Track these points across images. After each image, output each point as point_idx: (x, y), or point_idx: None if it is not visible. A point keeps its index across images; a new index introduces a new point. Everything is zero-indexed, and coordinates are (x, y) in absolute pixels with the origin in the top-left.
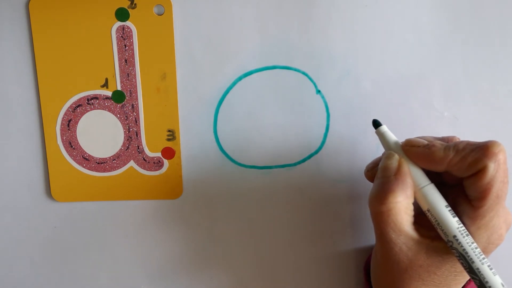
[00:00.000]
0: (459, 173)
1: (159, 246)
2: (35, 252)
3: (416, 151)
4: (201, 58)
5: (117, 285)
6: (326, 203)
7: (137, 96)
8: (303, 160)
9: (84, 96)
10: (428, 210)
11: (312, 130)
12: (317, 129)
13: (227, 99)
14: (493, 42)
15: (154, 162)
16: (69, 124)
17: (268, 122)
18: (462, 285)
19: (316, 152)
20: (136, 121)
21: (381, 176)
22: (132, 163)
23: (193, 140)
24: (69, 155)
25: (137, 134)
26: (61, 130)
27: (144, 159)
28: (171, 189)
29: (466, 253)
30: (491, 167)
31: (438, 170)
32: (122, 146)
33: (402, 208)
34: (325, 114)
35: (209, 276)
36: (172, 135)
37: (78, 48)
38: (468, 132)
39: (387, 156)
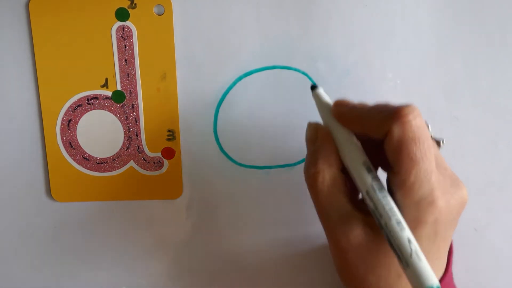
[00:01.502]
0: (373, 135)
1: (159, 246)
2: (35, 252)
3: (340, 111)
4: (201, 58)
5: (117, 285)
6: None
7: (137, 96)
8: (303, 160)
9: (84, 96)
10: (348, 168)
11: None
12: None
13: (227, 99)
14: (493, 42)
15: (154, 162)
16: (69, 124)
17: (268, 122)
18: None
19: None
20: (136, 121)
21: (307, 149)
22: (132, 163)
23: (193, 140)
24: (69, 155)
25: (137, 134)
26: (61, 130)
27: (144, 159)
28: (171, 189)
29: (376, 208)
30: (396, 129)
31: (357, 130)
32: (122, 146)
33: (326, 177)
34: None
35: (209, 276)
36: (172, 135)
37: (78, 48)
38: (468, 132)
39: (307, 127)
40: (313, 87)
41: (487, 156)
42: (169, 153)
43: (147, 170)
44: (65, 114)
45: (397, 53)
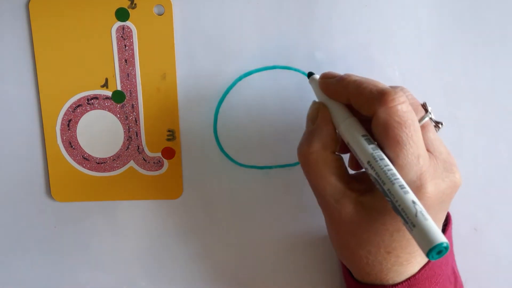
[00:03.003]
0: (360, 111)
1: (159, 246)
2: (35, 252)
3: (325, 83)
4: (201, 58)
5: (117, 285)
6: None
7: (137, 96)
8: None
9: (84, 96)
10: (348, 143)
11: None
12: None
13: (227, 99)
14: (493, 42)
15: (154, 162)
16: (69, 124)
17: (268, 122)
18: (407, 249)
19: None
20: (136, 121)
21: (306, 126)
22: (132, 163)
23: (193, 140)
24: (69, 155)
25: (137, 134)
26: (61, 130)
27: (144, 159)
28: (171, 189)
29: (378, 176)
30: (381, 113)
31: (344, 102)
32: (122, 146)
33: (319, 158)
34: None
35: (209, 276)
36: (172, 135)
37: (78, 48)
38: (468, 131)
39: (310, 105)
40: (310, 74)
41: (487, 156)
42: (169, 153)
43: (147, 170)
44: (65, 114)
45: (397, 53)
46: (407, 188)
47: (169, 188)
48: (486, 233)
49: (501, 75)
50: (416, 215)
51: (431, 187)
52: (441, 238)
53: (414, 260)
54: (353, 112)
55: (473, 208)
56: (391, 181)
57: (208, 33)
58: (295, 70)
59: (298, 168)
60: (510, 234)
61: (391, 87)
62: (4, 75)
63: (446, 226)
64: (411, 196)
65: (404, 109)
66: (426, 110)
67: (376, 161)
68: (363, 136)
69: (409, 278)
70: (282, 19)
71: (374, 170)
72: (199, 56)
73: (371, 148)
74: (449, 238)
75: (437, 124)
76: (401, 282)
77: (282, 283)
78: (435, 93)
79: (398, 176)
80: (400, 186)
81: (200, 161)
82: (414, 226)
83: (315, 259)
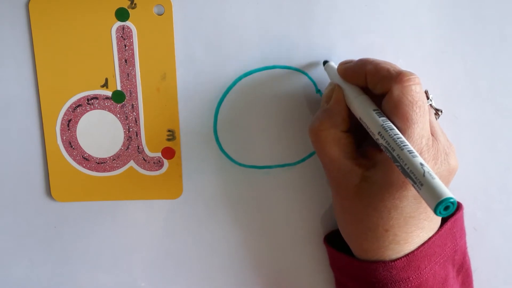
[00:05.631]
0: (374, 90)
1: (159, 246)
2: (35, 252)
3: (344, 67)
4: (201, 58)
5: (117, 285)
6: (326, 202)
7: (137, 96)
8: (303, 160)
9: (84, 96)
10: (360, 118)
11: None
12: None
13: (227, 99)
14: (493, 42)
15: (154, 162)
16: (69, 124)
17: (268, 122)
18: (404, 228)
19: None
20: (136, 121)
21: (321, 106)
22: (132, 163)
23: (193, 140)
24: (69, 155)
25: (137, 134)
26: (61, 130)
27: (144, 159)
28: (171, 189)
29: (388, 144)
30: (396, 90)
31: (361, 84)
32: (122, 146)
33: (329, 136)
34: None
35: (209, 276)
36: (172, 135)
37: (78, 48)
38: (468, 131)
39: (327, 85)
40: (325, 62)
41: (487, 156)
42: (169, 153)
43: (147, 170)
44: (65, 114)
45: (397, 53)
46: (415, 153)
47: (169, 188)
48: (486, 233)
49: (501, 75)
50: (424, 175)
51: (430, 167)
52: (447, 193)
53: (412, 241)
54: (366, 93)
55: (473, 208)
56: (400, 147)
57: (208, 33)
58: (295, 70)
59: (298, 168)
60: (510, 234)
61: None
62: (4, 75)
63: (456, 211)
64: (419, 159)
65: (417, 90)
66: (428, 97)
67: (386, 130)
68: (374, 110)
69: (407, 254)
70: (282, 19)
71: (385, 139)
72: (199, 56)
73: (381, 120)
74: (461, 223)
75: (437, 111)
76: (400, 258)
77: (282, 283)
78: (435, 93)
79: (407, 142)
80: (408, 151)
81: (200, 161)
82: (422, 185)
83: (315, 259)
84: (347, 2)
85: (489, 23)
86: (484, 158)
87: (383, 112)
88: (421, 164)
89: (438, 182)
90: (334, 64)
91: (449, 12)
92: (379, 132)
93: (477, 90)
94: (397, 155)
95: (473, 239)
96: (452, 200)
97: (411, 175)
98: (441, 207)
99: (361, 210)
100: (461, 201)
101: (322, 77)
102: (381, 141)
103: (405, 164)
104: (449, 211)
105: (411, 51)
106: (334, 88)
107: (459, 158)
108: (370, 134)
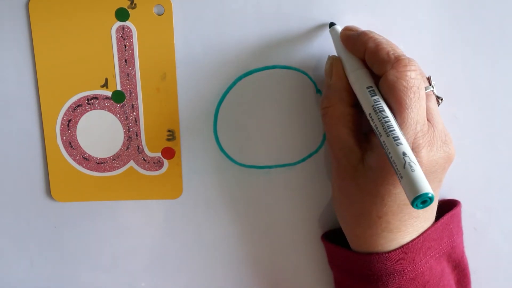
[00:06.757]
0: (371, 67)
1: (159, 246)
2: (35, 252)
3: (346, 34)
4: (201, 58)
5: (117, 285)
6: (326, 203)
7: (137, 96)
8: (303, 160)
9: (84, 96)
10: (357, 94)
11: (312, 130)
12: (317, 128)
13: (227, 99)
14: (493, 42)
15: (154, 162)
16: (69, 124)
17: (268, 122)
18: (398, 216)
19: (316, 151)
20: (136, 121)
21: (325, 81)
22: (132, 163)
23: (193, 140)
24: (69, 155)
25: (137, 134)
26: (61, 130)
27: (144, 159)
28: (171, 189)
29: (376, 127)
30: (391, 74)
31: (359, 56)
32: (122, 146)
33: (335, 112)
34: None
35: (209, 276)
36: (172, 135)
37: (78, 48)
38: (468, 131)
39: (326, 60)
40: (332, 24)
41: (487, 156)
42: (169, 153)
43: (147, 170)
44: (65, 114)
45: None
46: (401, 140)
47: (169, 188)
48: (486, 233)
49: (501, 75)
50: (404, 166)
51: (424, 153)
52: (426, 188)
53: (405, 229)
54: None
55: (473, 208)
56: (386, 133)
57: (208, 33)
58: (295, 70)
59: (299, 167)
60: (510, 234)
61: None
62: (4, 75)
63: (454, 207)
64: (403, 148)
65: (412, 76)
66: (430, 84)
67: (376, 112)
68: (368, 87)
69: (402, 246)
70: (282, 19)
71: (373, 122)
72: (199, 56)
73: (373, 100)
74: (458, 220)
75: (437, 98)
76: (394, 250)
77: (282, 283)
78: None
79: (395, 128)
80: (394, 138)
81: (200, 161)
82: (402, 177)
83: (315, 258)
84: (347, 2)
85: (489, 23)
86: (484, 158)
87: (379, 90)
88: (404, 154)
89: (417, 175)
90: (340, 28)
91: (449, 12)
92: (369, 114)
93: (477, 90)
94: (383, 141)
95: (473, 239)
96: (430, 195)
97: (393, 164)
98: (418, 201)
99: (356, 193)
100: (461, 201)
101: (322, 77)
102: (371, 122)
103: (389, 152)
104: (426, 205)
105: (411, 51)
106: (333, 62)
107: (459, 158)
108: (365, 112)
